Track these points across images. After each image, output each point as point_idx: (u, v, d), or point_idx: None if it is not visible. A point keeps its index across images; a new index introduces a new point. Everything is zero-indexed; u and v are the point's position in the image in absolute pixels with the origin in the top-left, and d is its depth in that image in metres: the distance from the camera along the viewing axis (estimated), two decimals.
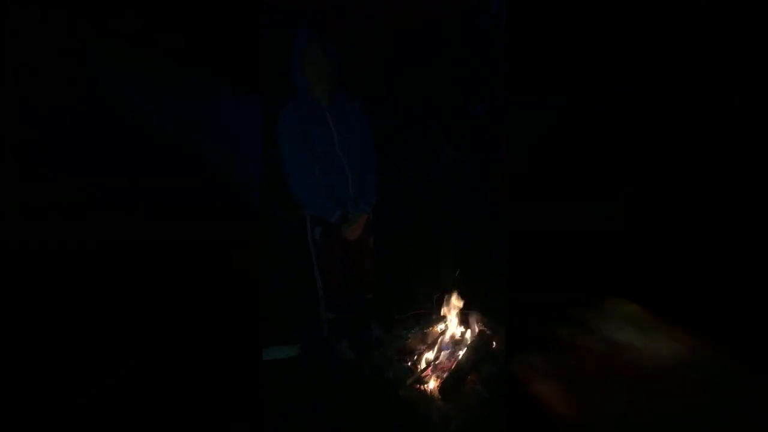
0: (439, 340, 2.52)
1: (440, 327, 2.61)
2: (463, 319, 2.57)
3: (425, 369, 2.35)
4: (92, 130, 1.71)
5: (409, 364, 2.42)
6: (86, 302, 1.67)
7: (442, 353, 2.43)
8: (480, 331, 2.46)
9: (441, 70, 3.31)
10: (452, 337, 2.51)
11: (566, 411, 1.65)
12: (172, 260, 1.74)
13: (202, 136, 1.80)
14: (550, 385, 1.71)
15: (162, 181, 1.77)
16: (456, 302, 2.61)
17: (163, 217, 1.76)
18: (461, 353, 2.36)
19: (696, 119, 1.76)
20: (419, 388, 2.26)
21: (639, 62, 1.77)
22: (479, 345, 2.38)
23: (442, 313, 2.65)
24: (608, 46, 1.77)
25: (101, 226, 1.71)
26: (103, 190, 1.73)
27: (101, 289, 1.69)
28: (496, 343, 2.40)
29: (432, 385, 2.26)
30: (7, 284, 1.62)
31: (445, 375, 2.27)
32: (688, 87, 1.75)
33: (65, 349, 1.64)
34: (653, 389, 1.63)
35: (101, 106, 1.70)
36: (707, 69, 1.73)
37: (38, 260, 1.65)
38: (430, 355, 2.43)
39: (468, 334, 2.49)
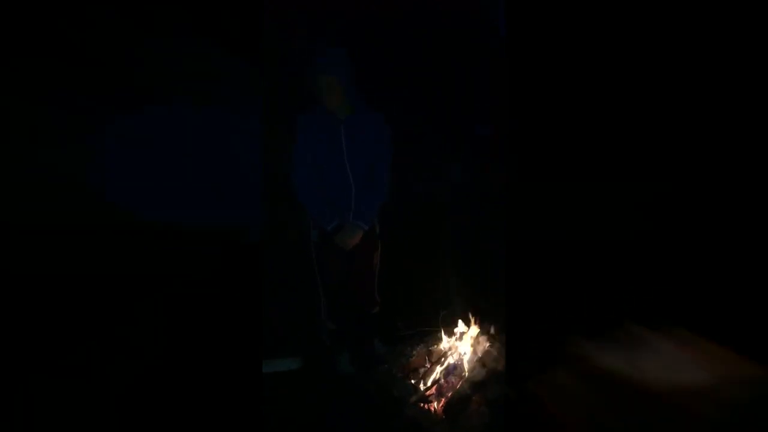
0: (445, 359, 2.47)
1: (445, 345, 2.57)
2: (470, 339, 2.52)
3: (430, 388, 2.31)
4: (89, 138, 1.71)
5: (413, 382, 2.37)
6: (86, 312, 1.66)
7: (448, 373, 2.38)
8: (486, 351, 2.42)
9: (447, 89, 3.35)
10: (458, 356, 2.47)
11: None
12: (172, 270, 1.73)
13: (201, 140, 1.80)
14: (553, 408, 1.68)
15: (159, 188, 1.77)
16: (462, 321, 2.57)
17: (162, 227, 1.75)
18: (466, 373, 2.32)
19: (701, 131, 1.76)
20: (423, 407, 2.21)
21: (643, 74, 1.77)
22: (485, 365, 2.34)
23: (447, 332, 2.62)
24: (611, 63, 1.77)
25: (98, 236, 1.70)
26: (100, 196, 1.72)
27: (100, 301, 1.68)
28: (503, 364, 2.35)
29: (436, 404, 2.21)
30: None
31: (449, 395, 2.22)
32: (692, 101, 1.75)
33: (65, 353, 1.62)
34: (660, 413, 1.60)
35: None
36: (710, 81, 1.73)
37: (39, 269, 1.64)
38: (434, 374, 2.39)
39: (474, 354, 2.45)
